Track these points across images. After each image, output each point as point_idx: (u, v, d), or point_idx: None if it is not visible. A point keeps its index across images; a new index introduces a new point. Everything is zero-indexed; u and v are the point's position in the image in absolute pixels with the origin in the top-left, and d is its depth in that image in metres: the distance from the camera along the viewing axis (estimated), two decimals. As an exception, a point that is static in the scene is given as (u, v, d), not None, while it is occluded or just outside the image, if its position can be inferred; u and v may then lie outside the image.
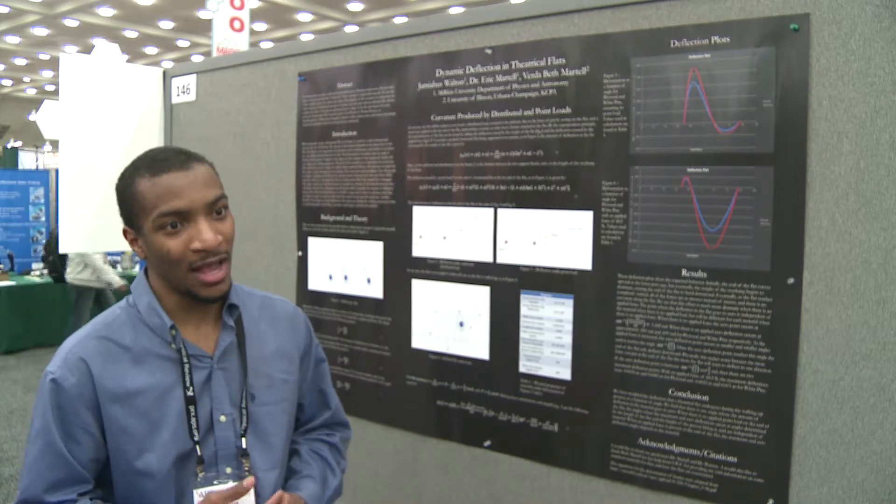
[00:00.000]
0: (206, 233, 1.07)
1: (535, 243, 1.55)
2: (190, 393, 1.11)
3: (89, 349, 1.10)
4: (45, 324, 6.92)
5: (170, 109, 2.37)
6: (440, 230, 1.70)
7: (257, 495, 1.14)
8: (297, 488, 1.21)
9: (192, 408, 1.11)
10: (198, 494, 1.10)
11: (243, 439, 1.15)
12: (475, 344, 1.65)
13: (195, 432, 1.11)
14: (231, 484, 1.12)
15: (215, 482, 1.12)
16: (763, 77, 1.26)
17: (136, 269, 8.09)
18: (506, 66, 1.57)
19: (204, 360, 1.14)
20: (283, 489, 1.20)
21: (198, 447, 1.11)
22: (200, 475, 1.11)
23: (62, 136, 2.27)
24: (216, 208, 1.10)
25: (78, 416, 1.07)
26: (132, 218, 1.10)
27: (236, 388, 1.16)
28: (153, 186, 1.06)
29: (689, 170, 1.34)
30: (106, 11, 13.31)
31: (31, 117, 9.60)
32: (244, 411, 1.16)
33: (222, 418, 1.13)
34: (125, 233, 1.13)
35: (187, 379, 1.12)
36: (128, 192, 1.09)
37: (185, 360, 1.12)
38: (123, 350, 1.11)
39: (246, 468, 1.14)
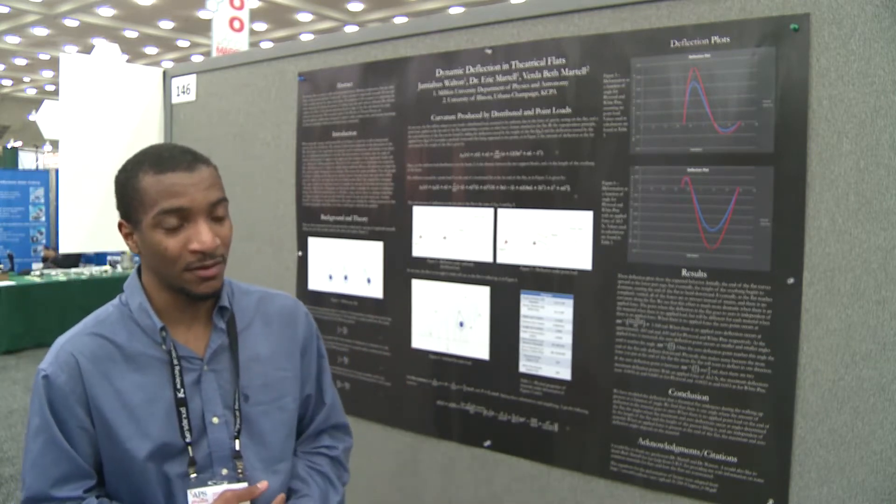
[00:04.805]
0: (204, 234, 1.06)
1: (535, 243, 1.55)
2: (180, 395, 1.11)
3: (80, 346, 1.10)
4: (45, 324, 6.92)
5: (170, 109, 2.37)
6: (440, 230, 1.70)
7: (252, 495, 1.13)
8: None
9: (182, 409, 1.10)
10: (192, 495, 1.09)
11: (236, 441, 1.14)
12: (475, 344, 1.65)
13: (186, 433, 1.10)
14: (244, 485, 1.12)
15: (210, 483, 1.11)
16: (763, 77, 1.26)
17: (136, 269, 8.08)
18: (506, 66, 1.57)
19: (194, 361, 1.13)
20: None
21: (189, 448, 1.10)
22: (193, 476, 1.10)
23: (62, 136, 2.27)
24: (216, 212, 1.10)
25: (71, 411, 1.07)
26: (130, 212, 1.09)
27: (229, 390, 1.15)
28: (156, 183, 1.06)
29: (689, 170, 1.34)
30: (106, 11, 13.32)
31: (31, 117, 9.60)
32: (237, 413, 1.14)
33: (215, 420, 1.12)
34: (121, 226, 1.13)
35: (177, 380, 1.11)
36: (129, 186, 1.08)
37: (175, 361, 1.11)
38: (115, 348, 1.11)
39: (239, 469, 1.13)
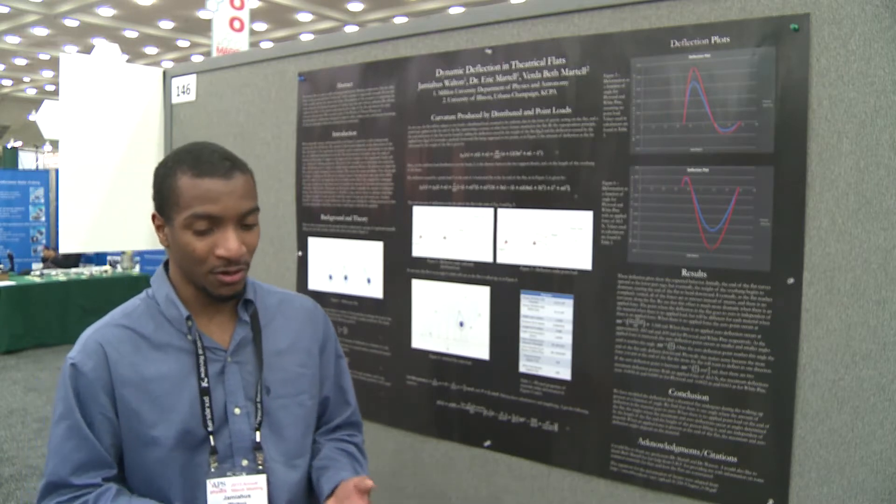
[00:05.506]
0: (232, 242, 1.10)
1: (535, 243, 1.55)
2: (204, 384, 1.14)
3: (108, 336, 1.14)
4: (45, 324, 6.93)
5: (170, 109, 2.37)
6: (440, 230, 1.70)
7: (269, 485, 1.16)
8: (336, 479, 1.21)
9: (205, 398, 1.14)
10: (211, 485, 1.13)
11: (257, 433, 1.17)
12: (475, 344, 1.65)
13: (209, 423, 1.13)
14: (245, 477, 1.14)
15: (229, 474, 1.14)
16: (763, 77, 1.26)
17: (136, 269, 8.10)
18: (506, 66, 1.57)
19: (218, 352, 1.17)
20: (318, 483, 1.21)
21: (211, 437, 1.13)
22: (214, 466, 1.13)
23: (62, 136, 2.27)
24: (246, 220, 1.14)
25: (96, 400, 1.11)
26: (164, 207, 1.13)
27: (252, 382, 1.18)
28: (192, 186, 1.09)
29: (689, 170, 1.34)
30: (106, 11, 13.32)
31: (31, 117, 9.61)
32: (258, 405, 1.18)
33: (237, 411, 1.16)
34: (154, 217, 1.17)
35: (202, 370, 1.14)
36: (166, 182, 1.12)
37: (199, 351, 1.15)
38: (142, 339, 1.15)
39: (259, 461, 1.16)
